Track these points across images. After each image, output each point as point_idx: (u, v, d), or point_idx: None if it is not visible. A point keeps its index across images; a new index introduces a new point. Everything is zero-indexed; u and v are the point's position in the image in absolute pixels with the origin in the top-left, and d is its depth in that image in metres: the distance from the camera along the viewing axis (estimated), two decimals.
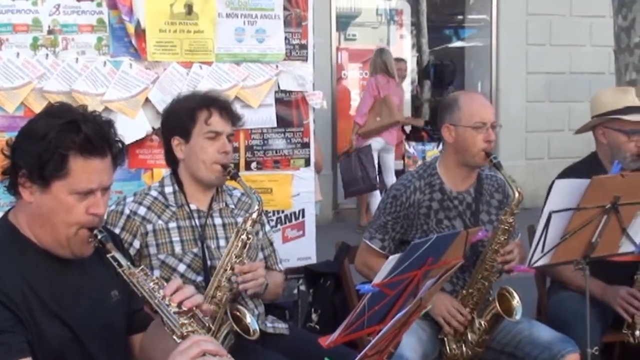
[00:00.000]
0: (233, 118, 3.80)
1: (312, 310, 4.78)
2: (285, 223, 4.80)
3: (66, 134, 2.58)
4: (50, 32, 4.17)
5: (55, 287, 2.69)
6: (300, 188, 4.82)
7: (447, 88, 13.84)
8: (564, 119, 11.88)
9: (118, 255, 2.64)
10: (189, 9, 4.41)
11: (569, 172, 4.53)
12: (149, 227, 3.71)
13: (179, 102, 3.85)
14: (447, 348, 4.01)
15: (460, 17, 14.75)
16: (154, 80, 4.35)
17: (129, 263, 2.65)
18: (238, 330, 3.50)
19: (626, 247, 3.92)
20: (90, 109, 2.79)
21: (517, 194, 3.92)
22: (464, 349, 3.99)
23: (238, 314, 3.57)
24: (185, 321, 2.53)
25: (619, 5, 6.40)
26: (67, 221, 2.63)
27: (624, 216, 3.76)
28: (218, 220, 3.83)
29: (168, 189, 3.81)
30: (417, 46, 14.87)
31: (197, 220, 3.77)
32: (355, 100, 12.26)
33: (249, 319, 3.55)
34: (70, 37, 4.20)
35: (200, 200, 3.82)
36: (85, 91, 4.19)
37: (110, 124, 2.74)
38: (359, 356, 2.74)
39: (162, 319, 2.55)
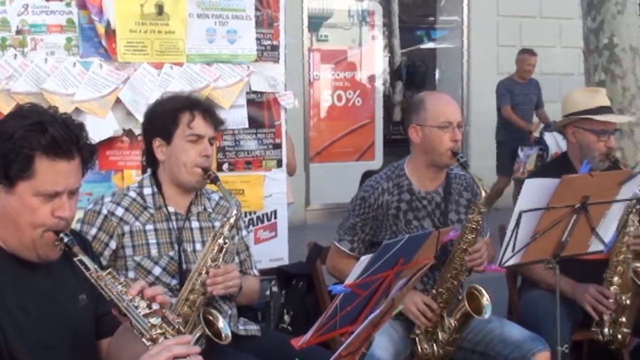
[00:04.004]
0: (216, 122, 3.79)
1: (285, 311, 4.77)
2: (258, 224, 4.79)
3: (32, 135, 2.56)
4: (18, 32, 4.13)
5: (20, 292, 2.66)
6: (272, 189, 4.81)
7: (418, 89, 13.88)
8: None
9: (85, 259, 2.62)
10: (160, 10, 4.39)
11: (539, 172, 4.56)
12: (126, 228, 3.68)
13: (161, 103, 3.83)
14: (419, 347, 4.03)
15: (431, 18, 14.80)
16: (124, 81, 4.33)
17: (96, 266, 2.62)
18: (210, 334, 3.49)
19: (595, 246, 3.95)
20: (61, 109, 2.77)
21: (484, 193, 3.95)
22: (435, 348, 4.01)
23: (211, 317, 3.55)
24: (155, 323, 2.52)
25: (587, 7, 6.45)
26: (32, 223, 2.60)
27: (593, 215, 3.79)
28: (195, 224, 3.81)
29: (147, 190, 3.78)
30: (389, 47, 14.91)
31: (174, 223, 3.75)
32: (327, 101, 12.25)
33: (221, 323, 3.53)
34: (39, 38, 4.17)
35: (179, 203, 3.80)
36: (55, 91, 4.16)
37: (80, 126, 2.71)
38: (333, 357, 2.74)
39: (130, 321, 2.54)
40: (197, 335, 3.48)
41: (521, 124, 10.83)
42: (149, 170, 3.88)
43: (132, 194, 3.78)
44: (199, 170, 3.70)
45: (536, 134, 10.67)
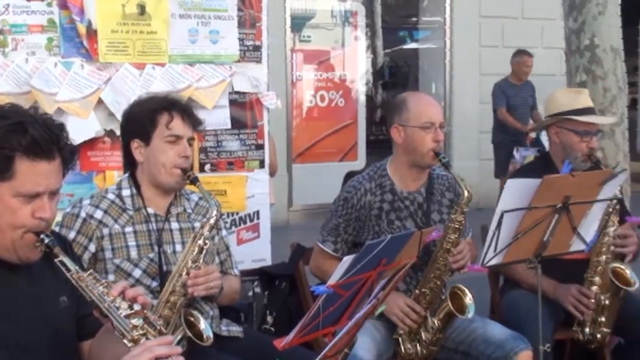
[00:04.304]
0: (194, 122, 3.78)
1: (267, 312, 4.78)
2: (240, 225, 4.78)
3: (12, 135, 2.54)
4: None
5: (1, 294, 2.64)
6: (255, 190, 4.80)
7: (401, 89, 13.89)
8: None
9: (66, 260, 2.60)
10: (142, 10, 4.38)
11: (521, 172, 4.58)
12: (105, 231, 3.66)
13: (139, 104, 3.81)
14: (402, 348, 4.03)
15: (414, 19, 14.82)
16: (106, 81, 4.31)
17: (77, 267, 2.61)
18: (191, 335, 3.48)
19: (577, 246, 3.97)
20: (44, 109, 2.75)
21: (466, 193, 3.96)
22: (418, 348, 4.01)
23: (192, 319, 3.54)
24: (136, 324, 2.51)
25: (569, 8, 6.47)
26: (12, 224, 2.58)
27: (574, 215, 3.80)
28: (175, 225, 3.80)
29: (125, 192, 3.76)
30: (372, 48, 14.91)
31: (154, 225, 3.74)
32: (310, 101, 12.25)
33: (202, 324, 3.52)
34: (20, 38, 4.15)
35: (158, 204, 3.78)
36: (41, 89, 4.13)
37: (61, 127, 2.70)
38: (319, 357, 2.75)
39: (112, 323, 2.53)
40: (179, 336, 3.47)
41: (517, 125, 10.85)
42: (127, 172, 3.86)
43: (111, 196, 3.75)
44: (178, 171, 3.69)
45: (532, 135, 10.67)
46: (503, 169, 10.76)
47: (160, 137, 3.68)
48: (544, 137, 9.99)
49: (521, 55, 11.09)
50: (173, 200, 3.82)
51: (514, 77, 11.08)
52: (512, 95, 10.97)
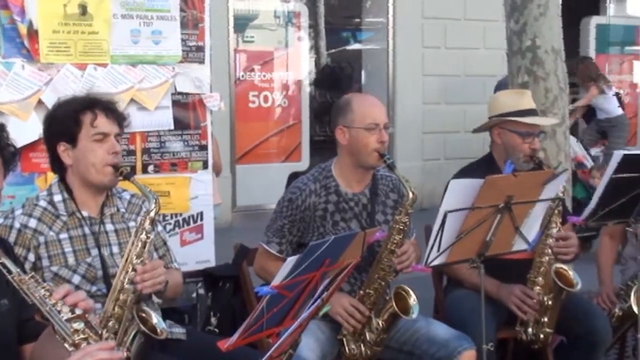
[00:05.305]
0: (118, 118, 3.73)
1: (212, 313, 4.76)
2: (184, 226, 4.76)
3: None
4: None
5: None
6: (198, 191, 4.78)
7: (345, 90, 13.89)
8: (460, 120, 12.08)
9: (7, 262, 2.57)
10: (83, 10, 4.34)
11: (464, 172, 4.61)
12: (41, 239, 3.60)
13: (60, 106, 3.74)
14: (346, 348, 4.04)
15: (357, 20, 14.85)
16: (47, 82, 4.26)
17: (19, 270, 2.58)
18: (146, 330, 3.44)
19: (519, 245, 4.00)
20: None
21: (411, 194, 3.98)
22: (362, 348, 4.03)
23: (144, 315, 3.51)
24: (78, 328, 2.49)
25: (510, 9, 6.52)
26: None
27: (516, 215, 3.84)
28: (110, 227, 3.75)
29: (57, 197, 3.70)
30: (315, 48, 14.92)
31: (89, 228, 3.69)
32: (253, 102, 12.22)
33: (154, 319, 3.48)
34: None
35: (91, 206, 3.73)
36: None
37: (1, 127, 2.67)
38: (264, 357, 2.75)
39: (53, 327, 2.50)
40: (133, 333, 3.43)
41: None
42: (56, 177, 3.78)
43: (43, 203, 3.69)
44: (109, 168, 3.64)
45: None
46: None
47: (86, 137, 3.62)
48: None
49: None
50: (105, 201, 3.77)
51: None
52: None
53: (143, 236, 3.51)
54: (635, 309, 4.59)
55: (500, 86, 10.63)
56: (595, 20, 15.07)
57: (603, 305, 4.88)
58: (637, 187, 4.19)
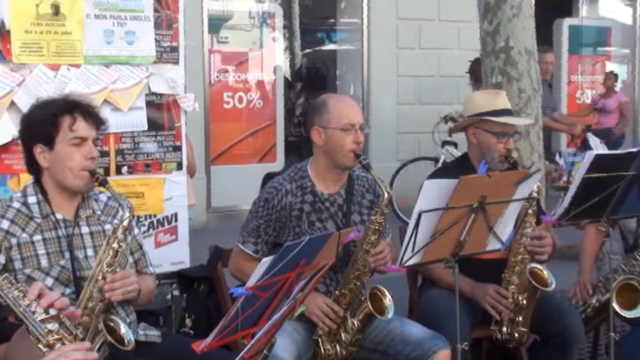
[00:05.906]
0: (97, 122, 3.69)
1: (186, 315, 4.75)
2: (158, 228, 4.74)
3: None
4: None
5: None
6: (173, 192, 4.76)
7: (319, 90, 13.89)
8: (434, 121, 12.11)
9: None
10: (56, 10, 4.31)
11: (439, 173, 4.63)
12: (13, 240, 3.56)
13: (38, 108, 3.69)
14: (322, 348, 4.04)
15: (332, 20, 14.88)
16: (19, 83, 4.23)
17: None
18: (112, 341, 3.42)
19: (493, 245, 4.01)
20: None
21: (386, 194, 3.98)
22: (338, 348, 4.02)
23: (112, 324, 3.48)
24: (52, 329, 2.47)
25: (484, 10, 6.57)
26: None
27: (490, 215, 3.85)
28: (85, 229, 3.72)
29: (32, 199, 3.66)
30: (290, 49, 14.91)
31: (63, 230, 3.65)
32: (228, 103, 12.20)
33: (123, 329, 3.45)
34: None
35: (66, 208, 3.70)
36: None
37: None
38: (237, 358, 2.74)
39: (27, 327, 2.49)
40: (100, 342, 3.41)
41: (563, 129, 10.24)
42: (31, 178, 3.74)
43: (16, 204, 3.65)
44: (86, 173, 3.60)
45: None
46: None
47: (64, 140, 3.59)
48: (591, 139, 9.14)
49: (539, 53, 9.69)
50: (81, 203, 3.74)
51: None
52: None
53: (115, 245, 3.49)
54: (615, 305, 4.57)
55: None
56: (567, 22, 15.18)
57: (579, 295, 4.90)
58: (609, 187, 4.21)
